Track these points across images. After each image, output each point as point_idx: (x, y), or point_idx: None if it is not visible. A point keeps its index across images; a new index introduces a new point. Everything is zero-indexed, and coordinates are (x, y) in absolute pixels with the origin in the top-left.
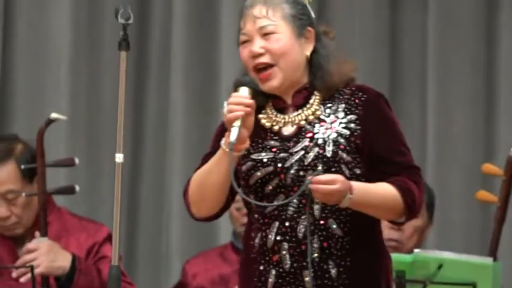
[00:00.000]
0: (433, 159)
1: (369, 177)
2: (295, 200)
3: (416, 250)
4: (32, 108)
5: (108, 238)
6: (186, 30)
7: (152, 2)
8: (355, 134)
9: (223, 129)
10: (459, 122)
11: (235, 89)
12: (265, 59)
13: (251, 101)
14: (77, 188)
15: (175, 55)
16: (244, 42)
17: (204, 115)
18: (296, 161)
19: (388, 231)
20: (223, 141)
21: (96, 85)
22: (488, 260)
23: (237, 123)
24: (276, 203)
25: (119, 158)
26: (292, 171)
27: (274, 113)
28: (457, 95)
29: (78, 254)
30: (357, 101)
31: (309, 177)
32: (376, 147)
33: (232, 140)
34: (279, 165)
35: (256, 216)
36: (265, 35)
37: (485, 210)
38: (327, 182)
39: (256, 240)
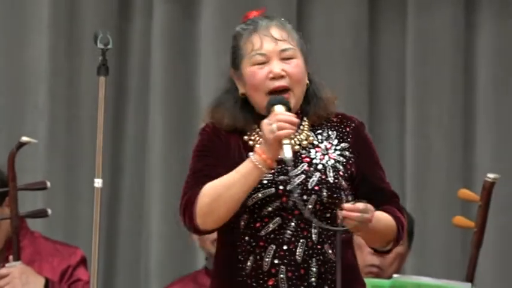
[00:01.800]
0: (412, 185)
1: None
2: (293, 224)
3: (395, 275)
4: (11, 134)
5: (82, 261)
6: (165, 56)
7: (131, 28)
8: (350, 161)
9: (212, 143)
10: (438, 147)
11: (270, 108)
12: (284, 82)
13: (297, 120)
14: (49, 211)
15: (154, 80)
16: (260, 63)
17: (183, 141)
18: (298, 184)
19: (370, 257)
20: (255, 157)
21: (75, 110)
22: (467, 286)
23: (287, 141)
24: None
25: (98, 183)
26: (295, 195)
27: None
28: (436, 120)
29: (52, 278)
30: (347, 129)
31: (344, 205)
32: (367, 175)
33: (289, 156)
34: (281, 187)
35: (246, 238)
36: (285, 59)
37: (465, 236)
38: (363, 211)
39: (248, 263)
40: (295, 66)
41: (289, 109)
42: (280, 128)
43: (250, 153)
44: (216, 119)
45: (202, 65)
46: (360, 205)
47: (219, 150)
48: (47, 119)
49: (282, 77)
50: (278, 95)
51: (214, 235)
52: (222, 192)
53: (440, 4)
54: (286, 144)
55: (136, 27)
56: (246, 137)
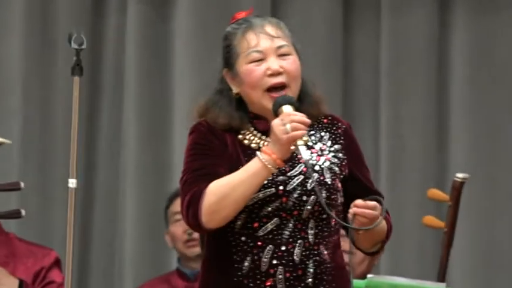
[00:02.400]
0: (386, 185)
1: (348, 205)
2: (291, 224)
3: (369, 275)
4: None
5: (56, 263)
6: (139, 55)
7: (105, 28)
8: (343, 163)
9: (209, 140)
10: (412, 147)
11: (278, 108)
12: (282, 79)
13: (309, 120)
14: (23, 212)
15: (128, 80)
16: (257, 60)
17: (157, 140)
18: (298, 185)
19: None
20: (264, 157)
21: (49, 110)
22: (442, 286)
23: (301, 142)
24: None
25: (72, 183)
26: (295, 195)
27: (258, 135)
28: (410, 120)
29: (26, 279)
30: (339, 131)
31: (356, 202)
32: (357, 178)
33: (307, 157)
34: (281, 187)
35: (243, 239)
36: (281, 55)
37: (438, 237)
38: (373, 208)
39: (246, 264)
40: (292, 62)
41: (296, 108)
42: (294, 129)
43: (258, 153)
44: (210, 119)
45: (175, 64)
46: (371, 202)
47: (216, 148)
48: (21, 119)
49: (279, 73)
50: (276, 92)
51: (185, 237)
52: (229, 192)
53: (414, 4)
54: (302, 145)
55: (110, 27)
56: (240, 136)
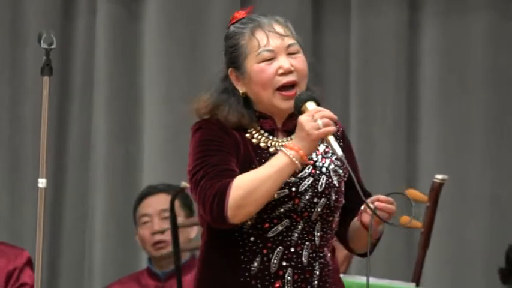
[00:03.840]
0: None
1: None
2: (300, 226)
3: (340, 275)
4: None
5: (28, 263)
6: (108, 55)
7: (75, 28)
8: (344, 165)
9: (220, 135)
10: (381, 148)
11: (302, 105)
12: (293, 77)
13: (336, 117)
14: None
15: (97, 80)
16: (268, 59)
17: (126, 140)
18: (308, 186)
19: None
20: (290, 152)
21: (18, 110)
22: (411, 285)
23: (331, 137)
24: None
25: (42, 183)
26: (306, 197)
27: (265, 134)
28: (379, 120)
29: None
30: (338, 133)
31: (380, 197)
32: (352, 178)
33: (340, 154)
34: (293, 189)
35: (252, 239)
36: (291, 54)
37: (408, 238)
38: (392, 202)
39: (255, 264)
40: (302, 61)
41: (318, 104)
42: (326, 125)
43: (283, 148)
44: (220, 116)
45: (145, 64)
46: (389, 198)
47: (229, 145)
48: None
49: (290, 72)
50: (287, 90)
51: (154, 238)
52: (256, 186)
53: (384, 3)
54: (333, 140)
55: (80, 27)
56: (248, 135)
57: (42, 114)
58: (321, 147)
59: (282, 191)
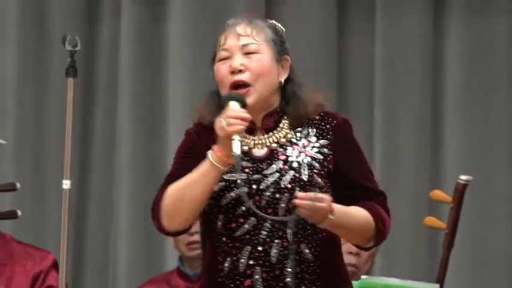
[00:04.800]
0: (380, 186)
1: (338, 201)
2: (267, 224)
3: (363, 276)
4: None
5: (54, 266)
6: (133, 57)
7: (99, 29)
8: (328, 158)
9: (193, 146)
10: (406, 150)
11: (225, 104)
12: (244, 77)
13: (249, 116)
14: (19, 213)
15: (122, 81)
16: (224, 59)
17: (151, 141)
18: (272, 183)
19: (346, 257)
20: (211, 155)
21: (43, 112)
22: (435, 286)
23: (237, 137)
24: (286, 217)
25: (66, 184)
26: (267, 193)
27: (243, 134)
28: (404, 122)
29: (25, 280)
30: (327, 126)
31: (297, 193)
32: (347, 172)
33: (237, 152)
34: (254, 186)
35: (224, 239)
36: (247, 53)
37: (432, 238)
38: (316, 199)
39: (226, 264)
40: (256, 60)
41: (244, 105)
42: (229, 124)
43: (208, 152)
44: (200, 118)
45: (169, 66)
46: (312, 194)
47: (199, 152)
48: (15, 120)
49: (240, 71)
50: (239, 89)
51: (189, 238)
52: (183, 192)
53: (408, 8)
54: (236, 140)
55: (105, 29)
56: None
57: (66, 116)
58: (301, 142)
59: (241, 189)
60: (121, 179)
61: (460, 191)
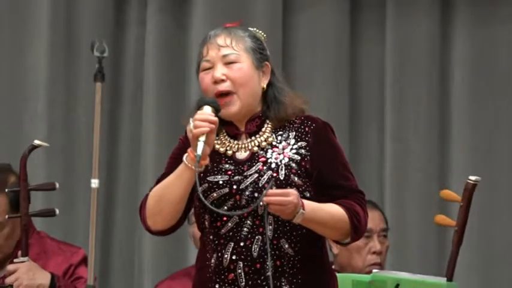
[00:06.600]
0: (391, 185)
1: (318, 200)
2: (248, 221)
3: (374, 270)
4: (11, 138)
5: (84, 260)
6: (157, 63)
7: (126, 37)
8: (305, 159)
9: (181, 151)
10: (415, 151)
11: (199, 108)
12: (226, 87)
13: (216, 119)
14: (57, 211)
15: (147, 86)
16: (207, 69)
17: (174, 143)
18: (251, 183)
19: (370, 257)
20: (185, 157)
21: (72, 114)
22: (443, 280)
23: (202, 138)
24: (236, 211)
25: (95, 183)
26: (247, 193)
27: (228, 139)
28: (413, 125)
29: (56, 273)
30: (306, 129)
31: (266, 191)
32: (324, 172)
33: (199, 153)
34: (234, 187)
35: (211, 237)
36: (228, 63)
37: (441, 236)
38: (282, 194)
39: (212, 261)
40: (237, 70)
41: (217, 110)
42: (196, 127)
43: (185, 154)
44: (185, 125)
45: (192, 72)
46: (279, 190)
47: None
48: (46, 123)
49: (222, 81)
50: (222, 98)
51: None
52: (163, 194)
53: (417, 17)
54: (200, 141)
55: (131, 36)
56: (216, 141)
57: (95, 119)
58: (281, 144)
59: (222, 189)
60: (146, 178)
61: (470, 191)
